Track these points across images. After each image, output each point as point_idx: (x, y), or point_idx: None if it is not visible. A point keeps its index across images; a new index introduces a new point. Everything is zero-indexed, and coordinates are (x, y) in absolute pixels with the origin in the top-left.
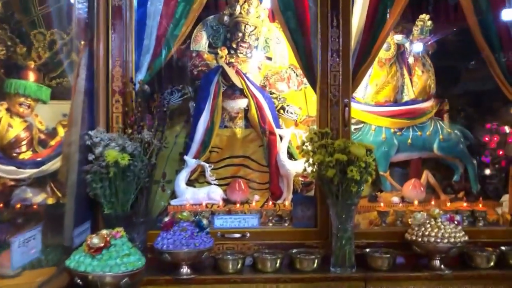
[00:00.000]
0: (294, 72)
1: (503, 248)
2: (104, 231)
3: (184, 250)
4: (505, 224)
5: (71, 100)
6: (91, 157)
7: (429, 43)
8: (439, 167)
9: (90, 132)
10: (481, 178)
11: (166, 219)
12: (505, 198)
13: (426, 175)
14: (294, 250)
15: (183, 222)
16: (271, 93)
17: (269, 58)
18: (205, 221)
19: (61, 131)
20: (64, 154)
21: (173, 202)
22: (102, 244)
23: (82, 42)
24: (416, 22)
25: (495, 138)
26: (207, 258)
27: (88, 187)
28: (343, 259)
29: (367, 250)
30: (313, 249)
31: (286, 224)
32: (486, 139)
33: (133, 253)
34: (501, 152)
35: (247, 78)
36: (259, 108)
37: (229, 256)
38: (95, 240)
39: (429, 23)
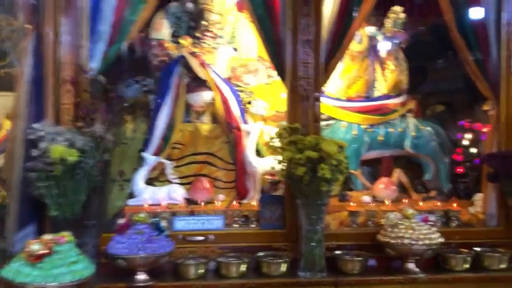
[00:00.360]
0: (263, 64)
1: (477, 249)
2: (47, 236)
3: (141, 255)
4: (478, 224)
5: (17, 90)
6: (35, 153)
7: (402, 36)
8: (411, 165)
9: (34, 125)
10: (452, 177)
11: (122, 221)
12: (478, 197)
13: (398, 174)
14: (261, 254)
15: (139, 224)
16: (238, 86)
17: (236, 49)
18: (164, 223)
19: (7, 125)
20: (8, 150)
21: (130, 202)
22: (44, 251)
23: (29, 26)
24: (389, 14)
25: (468, 136)
26: (167, 263)
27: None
28: (313, 263)
29: (338, 252)
30: (281, 252)
31: (253, 226)
32: (459, 136)
33: (81, 260)
34: (474, 150)
35: (212, 69)
36: (224, 102)
37: (190, 261)
38: (35, 247)
39: (402, 15)
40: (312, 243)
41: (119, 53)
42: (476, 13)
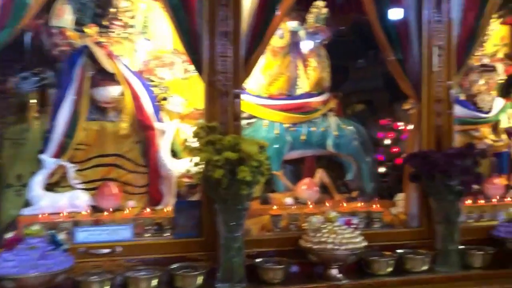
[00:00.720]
0: (179, 57)
1: (400, 251)
2: None
3: (32, 275)
4: (400, 225)
5: None
6: None
7: (324, 32)
8: (333, 165)
9: None
10: (374, 177)
11: (10, 235)
12: (400, 197)
13: (320, 174)
14: (175, 265)
15: (32, 238)
16: (151, 81)
17: (149, 40)
18: (62, 236)
19: None
20: None
21: (25, 211)
22: None
23: None
24: (311, 9)
25: (390, 135)
26: (65, 281)
27: None
28: (232, 273)
29: (258, 260)
30: (197, 262)
31: (167, 235)
32: (380, 135)
33: None
34: (395, 149)
35: (121, 62)
36: (135, 97)
37: (94, 277)
38: None
39: (324, 10)
40: (231, 252)
41: (10, 39)
42: (398, 11)
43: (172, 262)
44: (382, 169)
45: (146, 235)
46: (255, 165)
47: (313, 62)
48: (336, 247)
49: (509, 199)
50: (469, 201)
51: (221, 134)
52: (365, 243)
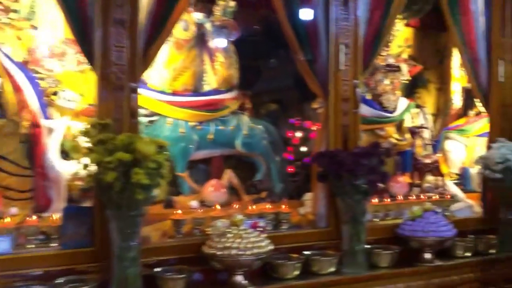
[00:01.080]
0: (71, 48)
1: (307, 253)
2: None
3: None
4: (308, 225)
5: None
6: None
7: (232, 26)
8: (242, 165)
9: None
10: (284, 176)
11: None
12: (308, 197)
13: (228, 175)
14: (61, 280)
15: None
16: (37, 72)
17: (36, 28)
18: None
19: None
20: None
21: None
22: None
23: None
24: (218, 1)
25: (298, 134)
26: None
27: None
28: (126, 285)
29: (158, 270)
30: (88, 275)
31: (54, 245)
32: (289, 135)
33: None
34: (304, 149)
35: (1, 50)
36: (17, 91)
37: None
38: None
39: (232, 3)
40: (125, 262)
41: None
42: (306, 9)
43: (57, 276)
44: (291, 169)
45: (29, 246)
46: (152, 167)
47: (220, 57)
48: (241, 252)
49: (413, 197)
50: (375, 200)
51: (115, 132)
52: (271, 247)
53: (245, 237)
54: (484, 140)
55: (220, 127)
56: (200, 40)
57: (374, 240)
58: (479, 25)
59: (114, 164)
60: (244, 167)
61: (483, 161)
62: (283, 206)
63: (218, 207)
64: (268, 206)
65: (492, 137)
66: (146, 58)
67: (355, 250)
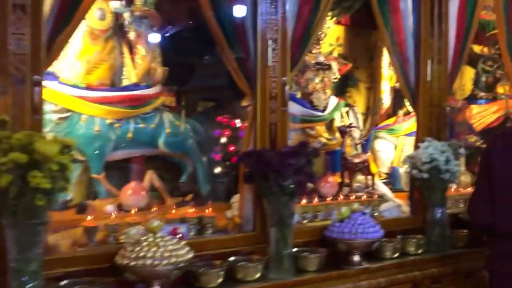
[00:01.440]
0: None
1: (232, 259)
2: None
3: None
4: (235, 229)
5: None
6: None
7: (154, 17)
8: (167, 166)
9: None
10: (211, 178)
11: None
12: (235, 199)
13: (150, 176)
14: None
15: None
16: None
17: None
18: None
19: None
20: None
21: None
22: None
23: None
24: None
25: (226, 133)
26: None
27: None
28: None
29: (62, 283)
30: None
31: None
32: (217, 133)
33: None
34: (232, 148)
35: None
36: None
37: None
38: None
39: None
40: (23, 277)
41: None
42: (233, 4)
43: None
44: (218, 169)
45: None
46: (55, 169)
47: (141, 50)
48: (157, 262)
49: (341, 197)
50: (304, 201)
51: (13, 130)
52: (191, 255)
53: (162, 245)
54: (413, 139)
55: (141, 125)
56: (118, 31)
57: (303, 243)
58: (408, 24)
59: (8, 166)
60: (169, 168)
61: (411, 161)
62: (208, 210)
63: (134, 212)
64: (192, 210)
65: (420, 136)
66: (52, 48)
67: (282, 255)
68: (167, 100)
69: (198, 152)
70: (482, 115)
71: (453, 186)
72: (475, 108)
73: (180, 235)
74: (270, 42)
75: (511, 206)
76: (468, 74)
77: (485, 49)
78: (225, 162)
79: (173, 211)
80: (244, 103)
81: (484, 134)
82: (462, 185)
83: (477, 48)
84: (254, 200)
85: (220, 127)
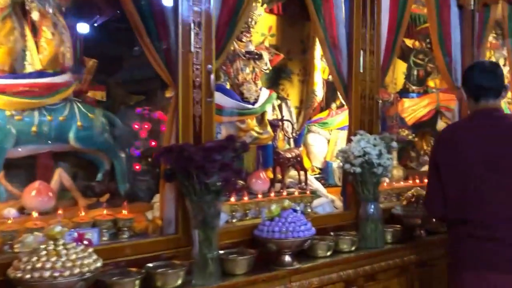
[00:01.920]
0: None
1: (150, 265)
2: None
3: None
4: (156, 232)
5: None
6: None
7: None
8: (82, 164)
9: None
10: (131, 175)
11: None
12: (157, 198)
13: (59, 175)
14: None
15: None
16: None
17: None
18: None
19: None
20: None
21: None
22: None
23: None
24: None
25: (146, 126)
26: None
27: None
28: None
29: None
30: None
31: None
32: (136, 126)
33: None
34: (153, 143)
35: None
36: None
37: None
38: None
39: None
40: None
41: None
42: None
43: None
44: (138, 166)
45: None
46: None
47: (47, 32)
48: (57, 273)
49: (273, 194)
50: (232, 199)
51: None
52: (99, 263)
53: (63, 253)
54: (346, 133)
55: (48, 118)
56: (19, 10)
57: (232, 243)
58: (341, 13)
59: None
60: (84, 166)
61: (343, 155)
62: (123, 211)
63: (35, 215)
64: (105, 212)
65: (352, 129)
66: None
67: (206, 258)
68: (97, 94)
69: (115, 147)
70: (413, 108)
71: (386, 180)
72: (406, 102)
73: (87, 241)
74: (192, 26)
75: (457, 197)
76: (400, 68)
77: (417, 43)
78: (146, 159)
79: (82, 213)
80: (168, 94)
81: (416, 128)
82: (394, 179)
83: (408, 42)
84: (176, 200)
85: (140, 120)
